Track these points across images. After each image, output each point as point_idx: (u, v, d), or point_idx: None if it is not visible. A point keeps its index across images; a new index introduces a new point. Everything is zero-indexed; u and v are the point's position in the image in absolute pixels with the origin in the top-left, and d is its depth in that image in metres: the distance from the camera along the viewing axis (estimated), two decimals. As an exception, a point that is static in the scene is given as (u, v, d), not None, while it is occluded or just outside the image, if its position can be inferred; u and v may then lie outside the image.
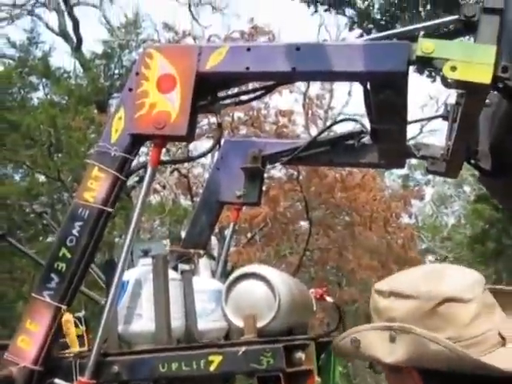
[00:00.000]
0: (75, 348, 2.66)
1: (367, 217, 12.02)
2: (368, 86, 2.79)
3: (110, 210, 2.70)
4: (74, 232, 2.66)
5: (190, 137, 2.71)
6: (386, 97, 2.66)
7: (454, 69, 2.37)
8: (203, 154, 3.83)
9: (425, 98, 19.83)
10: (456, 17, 2.67)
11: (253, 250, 11.46)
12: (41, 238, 13.14)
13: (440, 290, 1.19)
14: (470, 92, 2.51)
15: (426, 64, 2.57)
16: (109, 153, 2.71)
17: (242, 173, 3.79)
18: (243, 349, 2.36)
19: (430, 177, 25.67)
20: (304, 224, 13.52)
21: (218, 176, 3.98)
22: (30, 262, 11.14)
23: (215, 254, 10.05)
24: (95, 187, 2.69)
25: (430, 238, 23.38)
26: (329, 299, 3.27)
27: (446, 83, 2.46)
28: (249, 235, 12.98)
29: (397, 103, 2.72)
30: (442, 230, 25.37)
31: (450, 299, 1.17)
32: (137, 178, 11.44)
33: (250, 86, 4.34)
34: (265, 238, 12.70)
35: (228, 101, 3.04)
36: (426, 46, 2.44)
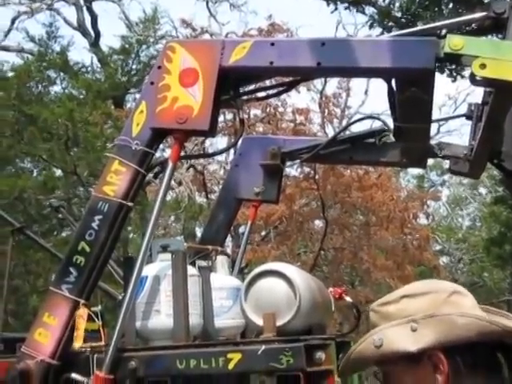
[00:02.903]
0: (78, 344, 2.62)
1: (384, 217, 11.93)
2: (392, 83, 2.74)
3: (129, 204, 2.68)
4: (94, 226, 2.64)
5: (212, 132, 2.68)
6: (412, 94, 2.61)
7: (483, 66, 2.32)
8: (225, 150, 3.81)
9: (443, 97, 19.63)
10: (484, 14, 2.61)
11: (267, 248, 11.42)
12: (55, 233, 13.19)
13: (447, 286, 1.42)
14: (499, 90, 2.46)
15: (454, 61, 2.53)
16: (130, 147, 2.69)
17: (261, 170, 3.76)
18: (263, 347, 2.32)
19: (446, 178, 25.52)
20: (319, 223, 13.46)
21: (236, 173, 3.95)
22: (45, 255, 11.19)
23: (229, 251, 10.02)
24: (115, 181, 2.67)
25: (444, 240, 23.22)
26: (348, 299, 3.22)
27: (475, 81, 2.41)
28: (263, 233, 12.95)
29: (422, 101, 2.67)
30: (456, 232, 25.18)
31: (457, 292, 1.40)
32: (152, 174, 11.44)
33: (269, 82, 4.28)
34: (279, 237, 12.65)
35: (250, 96, 3.00)
36: (454, 43, 2.40)
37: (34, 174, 13.94)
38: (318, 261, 12.21)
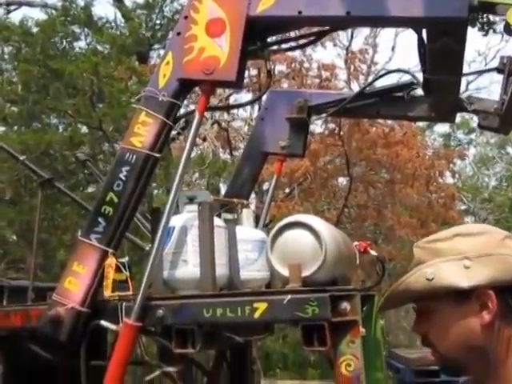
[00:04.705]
0: (108, 293, 2.67)
1: (409, 174, 11.84)
2: (423, 34, 2.68)
3: (157, 155, 2.69)
4: (121, 177, 2.67)
5: (239, 83, 2.66)
6: (443, 45, 2.55)
7: (518, 15, 2.25)
8: (252, 101, 3.78)
9: (473, 53, 19.14)
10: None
11: (291, 204, 11.43)
12: (82, 188, 13.32)
13: (500, 230, 1.43)
14: (534, 40, 2.39)
15: (488, 10, 2.46)
16: (156, 98, 2.68)
17: (287, 124, 3.75)
18: (289, 297, 2.35)
19: (473, 137, 25.13)
20: (343, 180, 13.42)
21: (262, 127, 3.94)
22: (72, 209, 11.33)
23: (253, 207, 10.00)
24: (142, 132, 2.68)
25: (470, 199, 23.01)
26: (373, 252, 3.23)
27: (509, 31, 2.35)
28: (287, 190, 12.96)
29: (454, 52, 2.61)
30: (482, 192, 24.90)
31: (509, 236, 1.40)
32: (176, 131, 11.45)
33: (297, 33, 4.22)
34: (303, 193, 12.65)
35: (277, 47, 2.96)
36: (489, -9, 2.33)
37: (60, 130, 14.02)
38: (341, 218, 12.20)
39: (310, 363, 13.79)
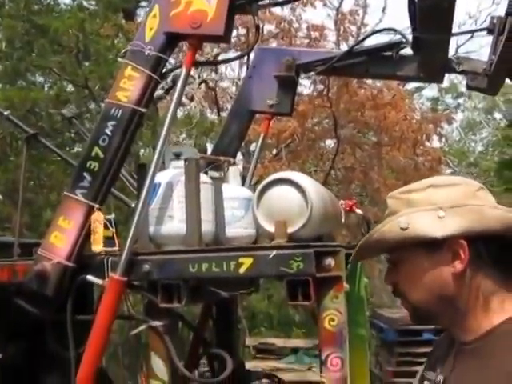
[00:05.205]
0: (97, 247, 2.68)
1: (396, 137, 11.84)
2: (414, -9, 2.66)
3: (143, 110, 2.66)
4: (107, 132, 2.65)
5: (226, 37, 2.63)
6: (433, 2, 2.53)
7: (510, -29, 2.23)
8: (240, 56, 3.73)
9: (463, 16, 19.03)
10: None
11: (278, 165, 11.43)
12: (68, 148, 13.20)
13: (474, 181, 1.45)
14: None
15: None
16: (143, 52, 2.65)
17: (275, 82, 3.72)
18: (274, 252, 2.37)
19: (461, 101, 25.15)
20: (331, 143, 13.42)
21: (250, 85, 3.91)
22: (59, 168, 11.26)
23: (240, 168, 9.94)
24: (128, 87, 2.65)
25: (456, 163, 23.13)
26: (358, 211, 3.25)
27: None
28: (274, 151, 12.94)
29: (444, 9, 2.59)
30: (468, 156, 25.04)
31: (483, 188, 1.42)
32: (163, 91, 11.32)
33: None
34: (291, 155, 12.64)
35: (266, 0, 2.92)
36: None
37: (46, 88, 13.82)
38: (328, 180, 12.23)
39: (295, 323, 13.99)
